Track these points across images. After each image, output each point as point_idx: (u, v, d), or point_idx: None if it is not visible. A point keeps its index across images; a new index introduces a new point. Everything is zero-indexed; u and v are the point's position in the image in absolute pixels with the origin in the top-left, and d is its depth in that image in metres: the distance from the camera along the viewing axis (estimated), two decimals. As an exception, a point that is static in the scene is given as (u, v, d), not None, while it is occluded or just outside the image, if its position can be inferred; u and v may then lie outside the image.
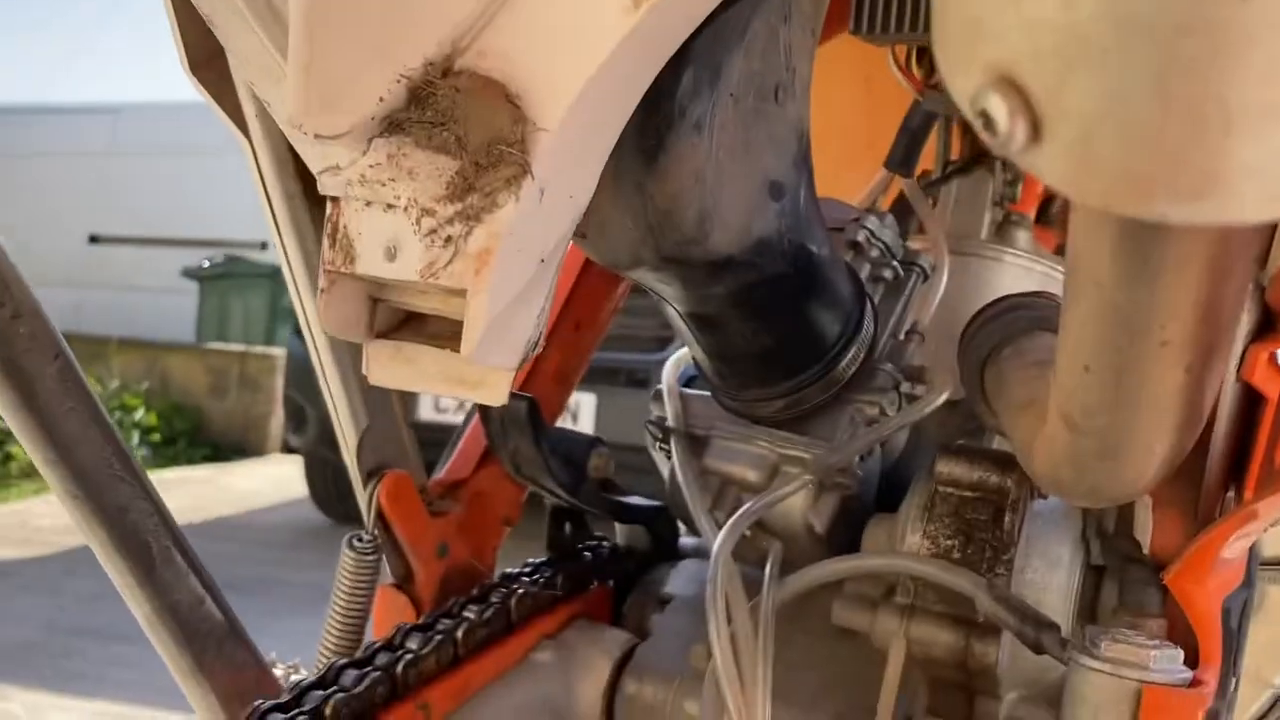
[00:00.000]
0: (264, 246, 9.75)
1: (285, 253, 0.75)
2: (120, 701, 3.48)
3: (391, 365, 0.58)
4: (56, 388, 0.63)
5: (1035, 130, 0.31)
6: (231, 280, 8.99)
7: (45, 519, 5.98)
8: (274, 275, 8.73)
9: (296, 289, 0.77)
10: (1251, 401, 0.61)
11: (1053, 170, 0.31)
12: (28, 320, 0.61)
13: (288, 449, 7.45)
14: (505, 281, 0.53)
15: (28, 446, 0.66)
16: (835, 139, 1.18)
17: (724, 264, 0.77)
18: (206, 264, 9.17)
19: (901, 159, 1.11)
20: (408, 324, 0.59)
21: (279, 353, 7.75)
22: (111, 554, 0.68)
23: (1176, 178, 0.29)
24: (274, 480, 7.23)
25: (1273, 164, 0.28)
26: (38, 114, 11.49)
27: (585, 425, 4.69)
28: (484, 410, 0.91)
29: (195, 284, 9.22)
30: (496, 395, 0.57)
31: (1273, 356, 0.58)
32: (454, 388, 0.57)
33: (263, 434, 8.16)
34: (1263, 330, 0.57)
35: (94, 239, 10.97)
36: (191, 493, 6.63)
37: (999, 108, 0.31)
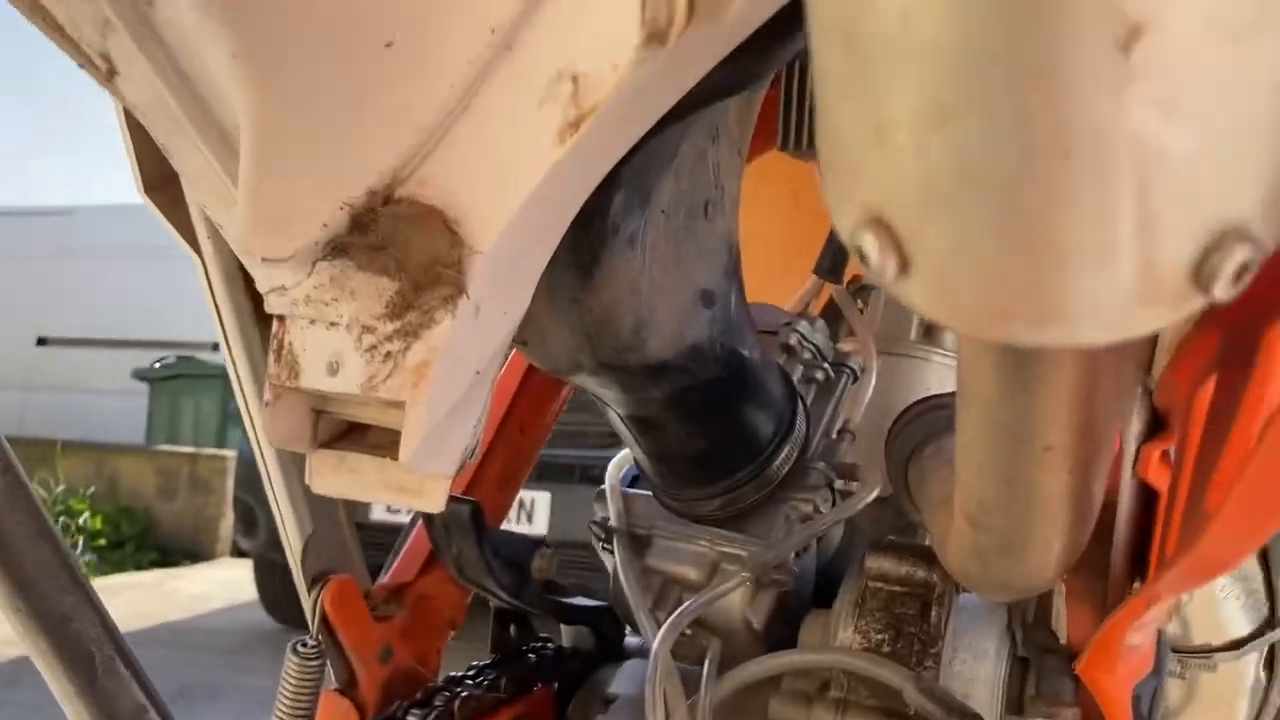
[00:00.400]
0: (215, 348, 9.71)
1: (234, 365, 0.77)
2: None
3: (334, 474, 0.61)
4: (4, 501, 0.65)
5: (903, 265, 0.35)
6: (183, 381, 8.92)
7: (-16, 628, 5.80)
8: (226, 376, 8.66)
9: (244, 400, 0.80)
10: (1148, 497, 0.65)
11: (919, 300, 0.35)
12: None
13: (238, 552, 7.32)
14: (442, 393, 0.56)
15: None
16: (766, 248, 1.23)
17: (660, 369, 0.81)
18: (157, 365, 9.10)
19: (830, 266, 1.17)
20: (350, 434, 0.62)
21: (230, 454, 7.66)
22: (53, 663, 0.69)
23: (1023, 308, 0.33)
24: (223, 583, 7.08)
25: (1105, 295, 0.32)
26: (-11, 217, 11.47)
27: (540, 522, 4.66)
28: (427, 515, 0.93)
29: (146, 385, 9.14)
30: (435, 502, 0.59)
31: (1164, 454, 0.63)
32: (394, 495, 0.59)
33: (213, 536, 8.01)
34: (1153, 431, 0.61)
35: (42, 341, 10.86)
36: (138, 599, 6.47)
37: (871, 245, 0.35)
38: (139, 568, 7.51)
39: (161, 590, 6.90)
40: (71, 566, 0.70)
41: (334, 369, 0.56)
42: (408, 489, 0.59)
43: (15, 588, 0.66)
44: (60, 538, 0.69)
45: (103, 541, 7.51)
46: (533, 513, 4.72)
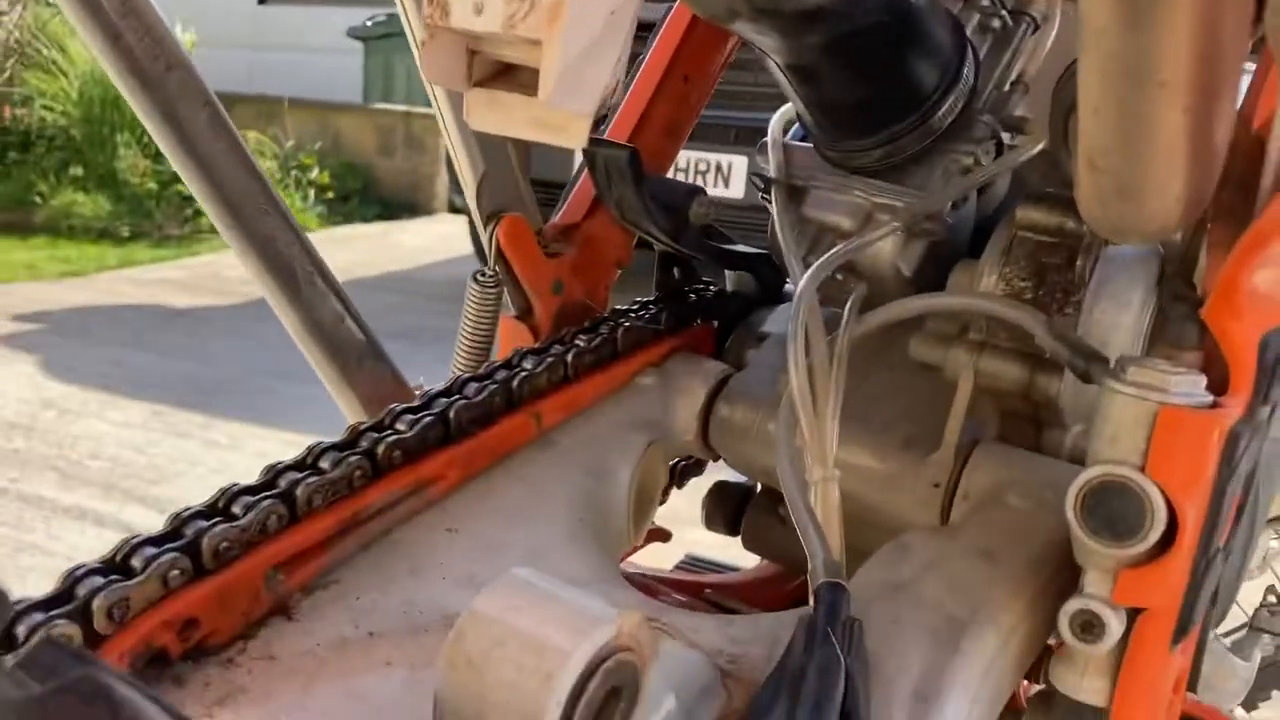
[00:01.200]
0: (423, 5, 9.72)
1: (405, 12, 0.82)
2: (306, 434, 3.86)
3: (487, 111, 0.66)
4: (208, 132, 0.73)
5: None
6: (394, 39, 9.06)
7: (234, 270, 6.43)
8: (434, 34, 8.72)
9: (414, 43, 0.85)
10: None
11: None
12: (180, 71, 0.71)
13: (453, 209, 7.69)
14: (576, 31, 0.58)
15: (188, 183, 0.77)
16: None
17: (816, 13, 0.80)
18: (369, 23, 9.25)
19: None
20: (502, 74, 0.66)
21: (441, 113, 7.86)
22: (264, 275, 0.80)
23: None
24: (441, 237, 7.53)
25: None
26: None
27: (736, 187, 4.69)
28: (591, 159, 0.98)
29: (359, 44, 9.34)
30: (576, 139, 0.64)
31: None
32: (540, 131, 0.64)
33: (429, 193, 8.44)
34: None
35: (262, 0, 11.15)
36: (364, 248, 6.98)
37: None
38: (364, 220, 8.04)
39: (385, 242, 7.40)
40: (270, 193, 0.79)
41: (479, 9, 0.59)
42: (551, 125, 0.63)
43: (224, 207, 0.76)
44: (259, 168, 0.78)
45: (330, 195, 8.03)
46: (729, 177, 4.74)
